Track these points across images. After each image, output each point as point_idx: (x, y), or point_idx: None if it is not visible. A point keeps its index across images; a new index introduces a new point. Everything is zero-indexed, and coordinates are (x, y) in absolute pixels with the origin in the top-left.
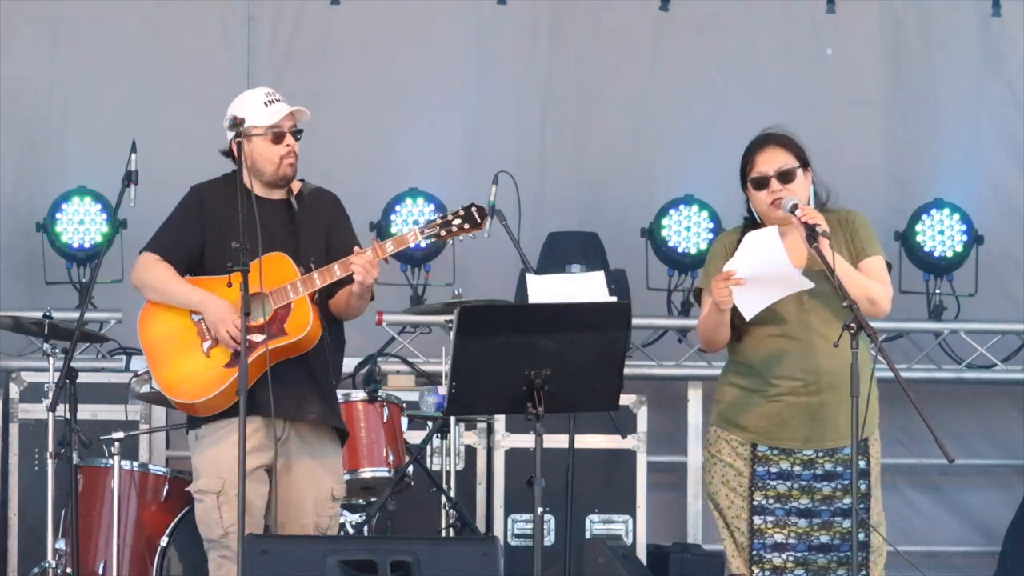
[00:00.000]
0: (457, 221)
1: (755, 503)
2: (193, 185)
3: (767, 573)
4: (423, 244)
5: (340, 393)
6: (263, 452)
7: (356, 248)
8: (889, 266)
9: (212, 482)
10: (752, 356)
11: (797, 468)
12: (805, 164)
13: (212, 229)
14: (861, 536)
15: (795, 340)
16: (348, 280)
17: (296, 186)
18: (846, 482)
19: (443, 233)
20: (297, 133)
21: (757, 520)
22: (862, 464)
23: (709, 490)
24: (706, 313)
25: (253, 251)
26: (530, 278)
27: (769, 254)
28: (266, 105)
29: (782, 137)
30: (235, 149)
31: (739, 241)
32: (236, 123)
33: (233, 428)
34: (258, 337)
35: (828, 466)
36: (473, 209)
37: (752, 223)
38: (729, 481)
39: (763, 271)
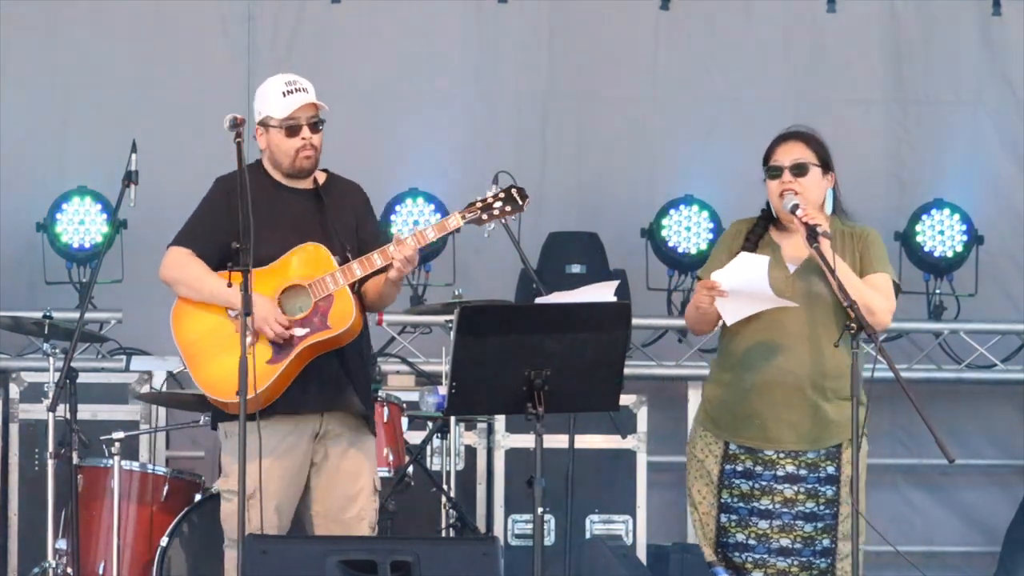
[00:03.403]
0: (498, 204)
1: (722, 500)
2: (218, 177)
3: (729, 572)
4: (462, 228)
5: None
6: (301, 453)
7: (396, 235)
8: (898, 288)
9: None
10: (734, 351)
11: (759, 468)
12: (825, 166)
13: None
14: (826, 542)
15: (775, 339)
16: (382, 269)
17: (321, 176)
18: (810, 485)
19: (484, 216)
20: (317, 124)
21: (723, 518)
22: (830, 470)
23: (687, 484)
24: (694, 300)
25: (285, 242)
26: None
27: (754, 281)
28: (284, 95)
29: (805, 134)
30: (258, 139)
31: (748, 232)
32: (236, 123)
33: (267, 430)
34: (300, 331)
35: (790, 468)
36: (513, 191)
37: (768, 214)
38: (702, 477)
39: (745, 291)
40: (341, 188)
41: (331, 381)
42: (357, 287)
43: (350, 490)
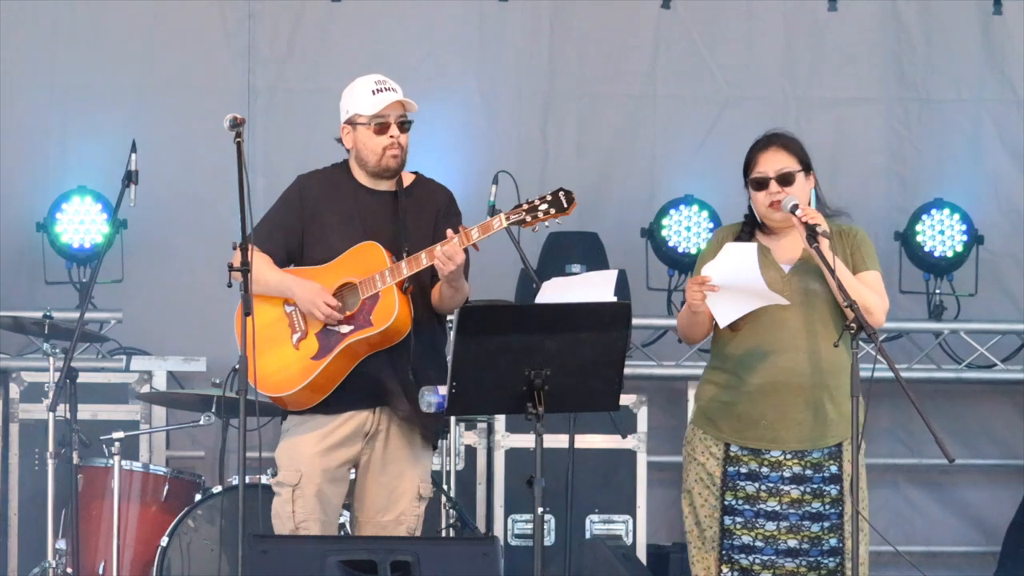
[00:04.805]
0: (544, 206)
1: (726, 503)
2: (299, 175)
3: (736, 574)
4: (507, 229)
5: None
6: (348, 447)
7: (449, 233)
8: None
9: (289, 475)
10: (731, 353)
11: (765, 469)
12: (807, 168)
13: (312, 218)
14: (833, 541)
15: (774, 340)
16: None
17: (409, 178)
18: (815, 485)
19: (529, 219)
20: (405, 124)
21: (727, 520)
22: (833, 469)
23: (685, 487)
24: (686, 307)
25: (351, 242)
26: (544, 285)
27: (744, 270)
28: (373, 94)
29: (786, 139)
30: (344, 139)
31: (735, 238)
32: (236, 123)
33: (317, 421)
34: (345, 328)
35: (796, 469)
36: (561, 194)
37: (752, 220)
38: (703, 479)
39: (737, 284)
40: (426, 190)
41: (379, 382)
42: (418, 289)
43: (392, 492)
